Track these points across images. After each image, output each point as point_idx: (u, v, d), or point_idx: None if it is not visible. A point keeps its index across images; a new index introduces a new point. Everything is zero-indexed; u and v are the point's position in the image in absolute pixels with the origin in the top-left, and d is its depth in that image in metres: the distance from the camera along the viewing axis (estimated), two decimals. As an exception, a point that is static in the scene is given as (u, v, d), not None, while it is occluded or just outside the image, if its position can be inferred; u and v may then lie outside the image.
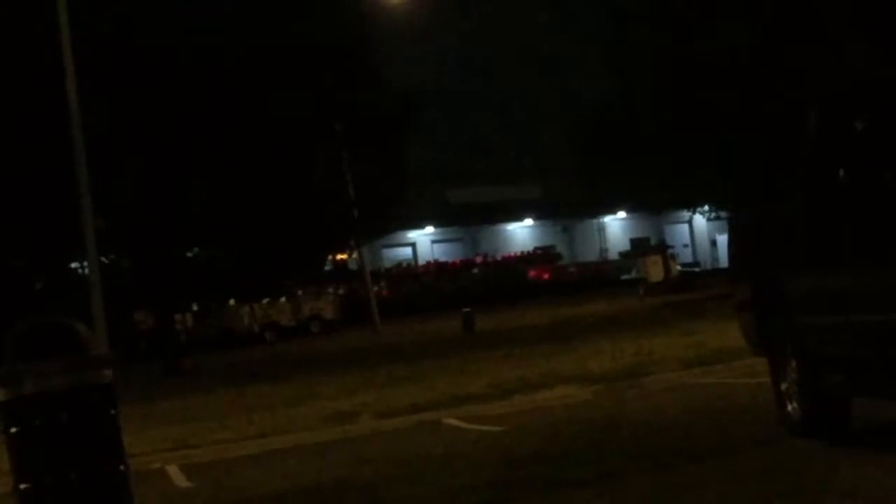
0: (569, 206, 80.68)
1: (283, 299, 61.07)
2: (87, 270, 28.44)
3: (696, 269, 73.06)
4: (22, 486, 5.17)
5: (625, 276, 71.13)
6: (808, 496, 6.84)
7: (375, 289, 56.43)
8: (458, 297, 56.75)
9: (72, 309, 11.66)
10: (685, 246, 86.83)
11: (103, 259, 32.04)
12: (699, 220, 76.05)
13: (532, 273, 76.12)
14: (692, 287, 52.86)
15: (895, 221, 6.91)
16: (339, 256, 64.73)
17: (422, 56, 76.32)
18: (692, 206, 55.27)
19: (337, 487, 9.93)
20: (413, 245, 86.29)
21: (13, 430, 5.16)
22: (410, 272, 77.77)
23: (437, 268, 77.33)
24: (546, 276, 75.72)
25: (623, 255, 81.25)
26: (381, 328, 48.57)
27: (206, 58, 34.99)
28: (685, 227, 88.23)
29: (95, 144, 27.20)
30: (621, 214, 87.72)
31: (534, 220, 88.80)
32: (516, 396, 15.84)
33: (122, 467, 5.29)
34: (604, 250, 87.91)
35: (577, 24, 66.28)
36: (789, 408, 8.88)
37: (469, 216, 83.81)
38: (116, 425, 5.31)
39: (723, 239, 60.26)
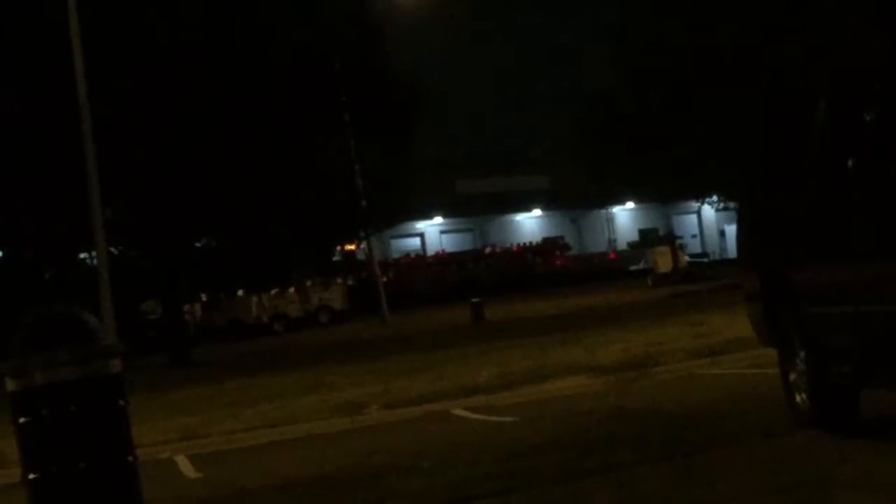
0: (577, 196, 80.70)
1: (291, 290, 61.04)
2: (95, 261, 28.49)
3: (705, 260, 72.95)
4: (30, 477, 5.18)
5: (633, 267, 71.07)
6: (815, 487, 6.84)
7: (384, 279, 56.39)
8: (467, 288, 56.76)
9: (80, 300, 11.68)
10: (693, 236, 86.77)
11: (112, 250, 32.10)
12: (708, 211, 76.00)
13: (541, 263, 76.04)
14: (701, 278, 52.79)
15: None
16: (348, 247, 64.71)
17: (431, 47, 76.30)
18: (700, 196, 55.21)
19: (345, 478, 9.93)
20: (421, 235, 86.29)
21: (22, 420, 5.17)
22: (419, 262, 77.73)
23: (446, 258, 77.31)
24: (555, 266, 75.64)
25: (632, 245, 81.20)
26: (390, 318, 48.57)
27: (216, 45, 34.93)
28: (694, 217, 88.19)
29: (104, 133, 27.22)
30: (630, 205, 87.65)
31: (542, 210, 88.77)
32: (525, 387, 15.84)
33: (130, 458, 5.30)
34: (612, 241, 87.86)
35: (587, 13, 66.19)
36: (797, 399, 8.86)
37: (477, 206, 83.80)
38: (125, 416, 5.32)
39: (731, 229, 60.21)
